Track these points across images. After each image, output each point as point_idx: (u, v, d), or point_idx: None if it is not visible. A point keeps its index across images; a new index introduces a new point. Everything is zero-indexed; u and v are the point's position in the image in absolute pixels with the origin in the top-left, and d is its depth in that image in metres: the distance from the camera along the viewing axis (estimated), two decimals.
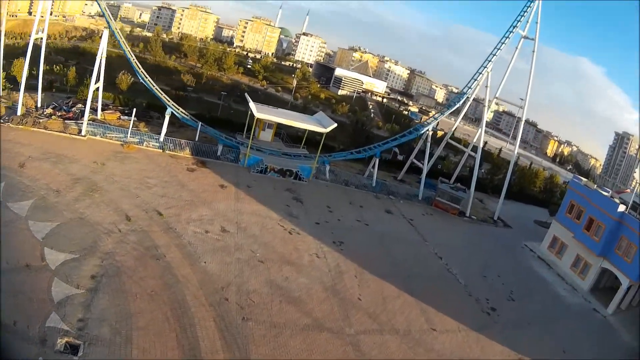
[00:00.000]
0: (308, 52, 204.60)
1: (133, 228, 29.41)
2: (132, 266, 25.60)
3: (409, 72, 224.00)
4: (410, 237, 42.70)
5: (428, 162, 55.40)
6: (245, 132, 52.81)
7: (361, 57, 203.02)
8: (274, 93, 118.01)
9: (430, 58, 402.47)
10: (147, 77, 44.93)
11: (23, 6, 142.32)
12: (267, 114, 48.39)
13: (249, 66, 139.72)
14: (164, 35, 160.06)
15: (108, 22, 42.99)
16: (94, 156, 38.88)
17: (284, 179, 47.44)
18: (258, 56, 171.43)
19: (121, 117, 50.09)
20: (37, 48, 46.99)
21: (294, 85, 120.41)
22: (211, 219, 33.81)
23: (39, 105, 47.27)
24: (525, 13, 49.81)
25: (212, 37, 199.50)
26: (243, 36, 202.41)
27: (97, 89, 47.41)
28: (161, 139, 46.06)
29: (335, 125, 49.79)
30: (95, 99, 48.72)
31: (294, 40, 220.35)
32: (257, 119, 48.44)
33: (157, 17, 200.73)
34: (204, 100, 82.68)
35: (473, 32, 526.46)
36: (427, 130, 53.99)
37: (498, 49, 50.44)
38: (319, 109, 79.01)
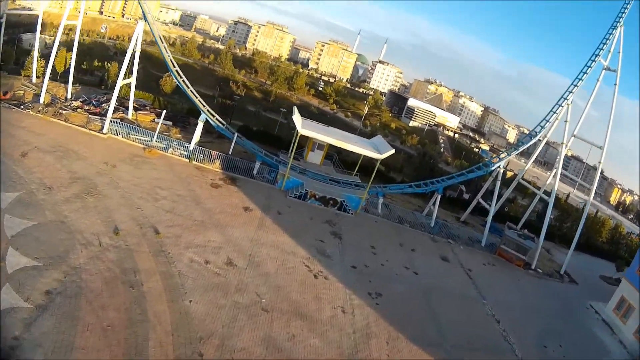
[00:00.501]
0: (383, 81, 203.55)
1: (117, 244, 25.59)
2: (97, 289, 21.52)
3: (482, 109, 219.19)
4: (466, 292, 36.24)
5: (496, 203, 50.06)
6: (290, 150, 49.01)
7: (436, 90, 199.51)
8: (343, 118, 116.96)
9: (503, 97, 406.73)
10: (181, 77, 42.54)
11: (94, 5, 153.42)
12: (313, 130, 44.10)
13: (319, 88, 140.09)
14: (237, 50, 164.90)
15: (144, 13, 41.66)
16: (107, 156, 36.43)
17: (326, 209, 42.44)
18: (332, 80, 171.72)
19: (155, 119, 48.20)
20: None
21: (365, 112, 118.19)
22: (219, 246, 29.27)
23: (68, 96, 46.77)
24: (608, 41, 46.82)
25: (287, 56, 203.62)
26: (319, 59, 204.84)
27: (129, 85, 46.04)
28: (190, 148, 43.09)
29: (393, 151, 44.69)
30: (127, 96, 47.54)
31: (370, 68, 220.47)
32: (306, 137, 44.85)
33: (233, 31, 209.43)
34: (262, 115, 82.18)
35: (548, 74, 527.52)
36: (499, 167, 49.02)
37: (579, 79, 47.38)
38: (387, 138, 74.17)
